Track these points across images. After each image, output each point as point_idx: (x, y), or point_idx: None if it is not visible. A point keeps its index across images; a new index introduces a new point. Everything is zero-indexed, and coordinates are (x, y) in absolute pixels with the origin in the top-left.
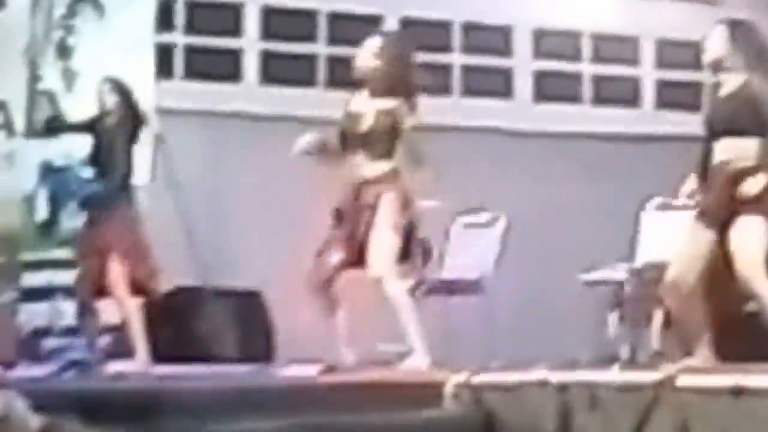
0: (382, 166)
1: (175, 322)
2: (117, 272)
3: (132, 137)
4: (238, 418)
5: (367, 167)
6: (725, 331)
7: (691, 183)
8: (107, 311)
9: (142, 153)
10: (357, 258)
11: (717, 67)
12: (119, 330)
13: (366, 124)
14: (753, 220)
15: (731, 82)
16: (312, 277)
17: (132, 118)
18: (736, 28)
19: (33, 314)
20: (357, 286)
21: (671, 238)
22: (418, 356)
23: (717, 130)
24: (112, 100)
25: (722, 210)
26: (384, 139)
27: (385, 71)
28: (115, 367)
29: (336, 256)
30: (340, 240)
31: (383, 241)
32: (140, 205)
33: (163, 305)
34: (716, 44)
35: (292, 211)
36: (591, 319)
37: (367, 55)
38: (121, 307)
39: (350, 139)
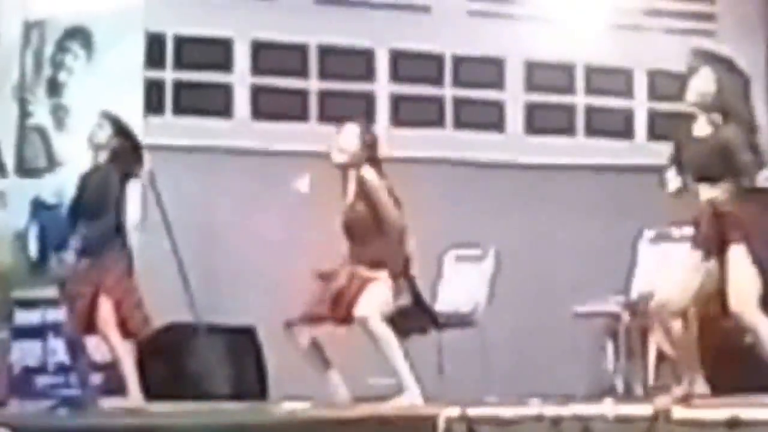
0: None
1: (168, 359)
2: (107, 311)
3: (127, 174)
4: None
5: None
6: (722, 363)
7: None
8: (100, 349)
9: (132, 190)
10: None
11: (698, 106)
12: (111, 368)
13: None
14: (740, 249)
15: (704, 127)
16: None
17: (128, 154)
18: (720, 67)
19: (25, 352)
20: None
21: (666, 270)
22: (410, 393)
23: (694, 174)
24: (104, 134)
25: (712, 242)
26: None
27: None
28: (108, 403)
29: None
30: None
31: (373, 290)
32: (131, 242)
33: (156, 342)
34: (699, 86)
35: (284, 247)
36: (586, 352)
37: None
38: (111, 346)
39: None
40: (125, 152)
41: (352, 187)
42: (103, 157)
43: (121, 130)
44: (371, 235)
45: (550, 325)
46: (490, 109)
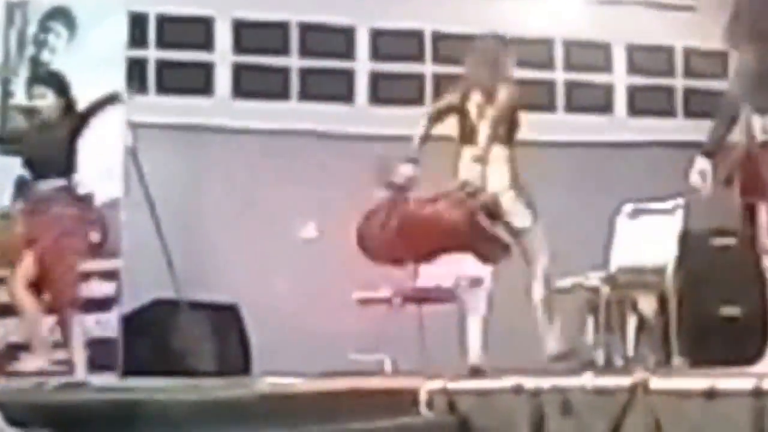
0: None
1: (152, 335)
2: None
3: (74, 133)
4: (216, 430)
5: None
6: (701, 335)
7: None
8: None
9: (114, 167)
10: None
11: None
12: (96, 344)
13: None
14: None
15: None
16: None
17: (71, 113)
18: None
19: (10, 329)
20: (335, 298)
21: (645, 243)
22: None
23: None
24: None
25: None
26: None
27: None
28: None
29: None
30: None
31: None
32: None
33: (140, 318)
34: None
35: (266, 223)
36: (565, 326)
37: None
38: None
39: None
40: (69, 111)
41: None
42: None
43: (61, 89)
44: None
45: (530, 299)
46: None
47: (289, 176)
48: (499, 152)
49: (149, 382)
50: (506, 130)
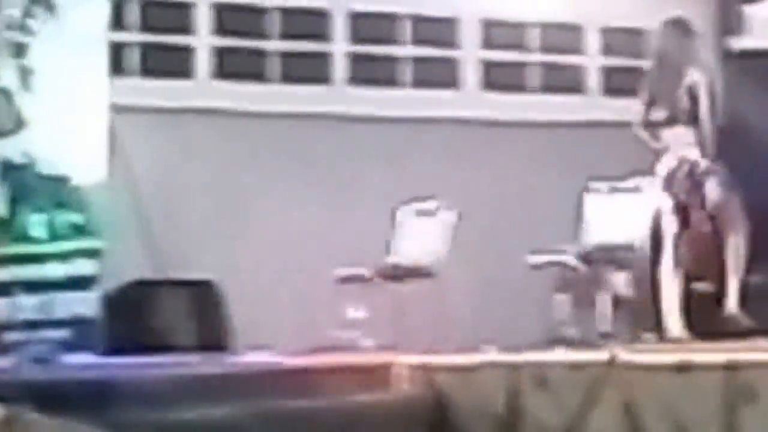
0: None
1: (133, 314)
2: None
3: None
4: (195, 405)
5: None
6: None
7: None
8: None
9: (97, 149)
10: None
11: None
12: (75, 323)
13: None
14: None
15: None
16: None
17: None
18: None
19: None
20: (314, 275)
21: (616, 221)
22: None
23: None
24: None
25: None
26: None
27: None
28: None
29: None
30: None
31: None
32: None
33: (121, 298)
34: None
35: (245, 204)
36: (540, 302)
37: None
38: None
39: None
40: None
41: None
42: None
43: None
44: None
45: (505, 276)
46: (446, 67)
47: (266, 159)
48: None
49: (129, 359)
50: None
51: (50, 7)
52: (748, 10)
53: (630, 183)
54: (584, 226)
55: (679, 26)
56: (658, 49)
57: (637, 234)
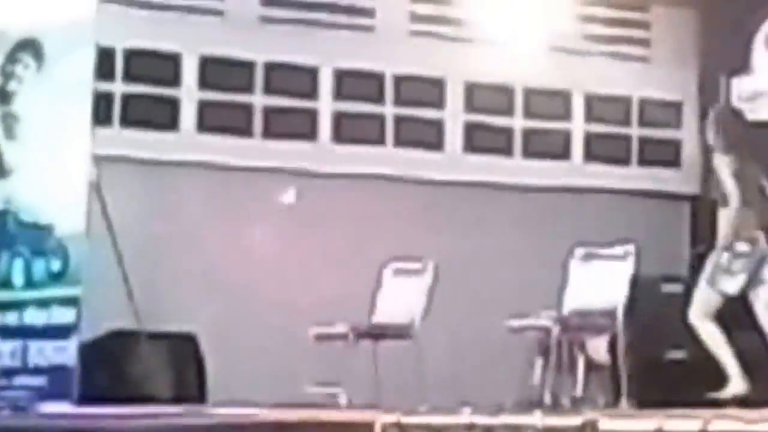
0: None
1: (110, 364)
2: None
3: None
4: None
5: None
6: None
7: None
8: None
9: (78, 198)
10: None
11: None
12: (53, 371)
13: None
14: None
15: None
16: None
17: None
18: None
19: None
20: (292, 331)
21: (597, 287)
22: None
23: None
24: None
25: None
26: None
27: None
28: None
29: None
30: None
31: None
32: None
33: (99, 348)
34: None
35: (226, 258)
36: (517, 365)
37: None
38: None
39: None
40: None
41: None
42: None
43: None
44: None
45: (483, 338)
46: (430, 128)
47: (251, 213)
48: None
49: (105, 410)
50: None
51: (38, 54)
52: (734, 82)
53: (612, 250)
54: (565, 291)
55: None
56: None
57: (618, 300)
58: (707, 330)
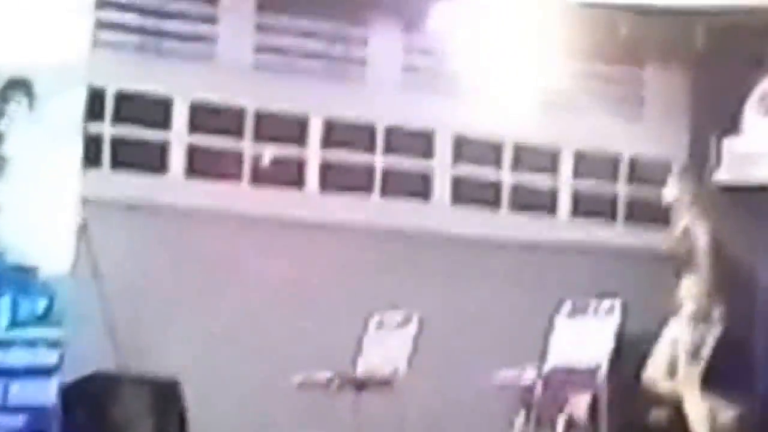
0: None
1: (90, 406)
2: None
3: None
4: None
5: None
6: None
7: None
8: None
9: (65, 239)
10: None
11: None
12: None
13: None
14: None
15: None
16: None
17: None
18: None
19: None
20: (272, 382)
21: (582, 344)
22: None
23: None
24: None
25: None
26: None
27: None
28: None
29: None
30: None
31: None
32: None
33: (80, 390)
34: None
35: (210, 305)
36: (499, 420)
37: None
38: None
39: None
40: None
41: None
42: None
43: None
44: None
45: (466, 392)
46: (418, 180)
47: (235, 258)
48: None
49: None
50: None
51: (29, 94)
52: (724, 143)
53: (597, 307)
54: (549, 347)
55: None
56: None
57: (602, 358)
58: (665, 387)
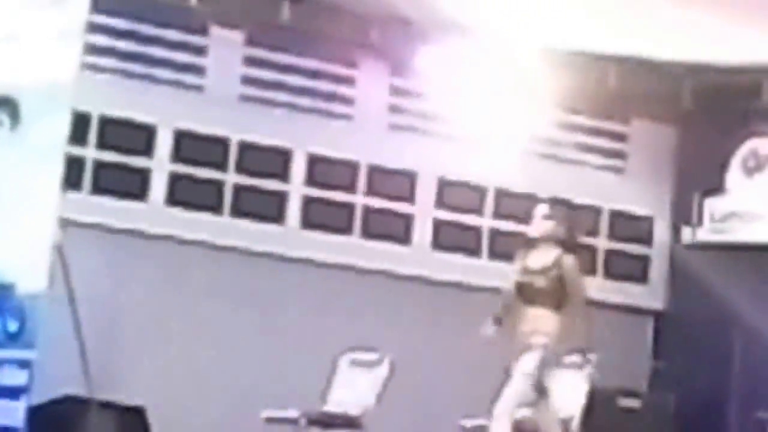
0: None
1: (58, 429)
2: None
3: None
4: None
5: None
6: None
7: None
8: None
9: (40, 260)
10: None
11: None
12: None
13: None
14: None
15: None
16: None
17: None
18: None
19: None
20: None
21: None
22: None
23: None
24: None
25: None
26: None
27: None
28: None
29: None
30: None
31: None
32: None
33: (47, 412)
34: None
35: (183, 334)
36: None
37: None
38: None
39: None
40: None
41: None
42: None
43: None
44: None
45: None
46: (399, 222)
47: (211, 291)
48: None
49: None
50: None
51: (14, 114)
52: (707, 201)
53: (572, 358)
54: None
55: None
56: None
57: (574, 410)
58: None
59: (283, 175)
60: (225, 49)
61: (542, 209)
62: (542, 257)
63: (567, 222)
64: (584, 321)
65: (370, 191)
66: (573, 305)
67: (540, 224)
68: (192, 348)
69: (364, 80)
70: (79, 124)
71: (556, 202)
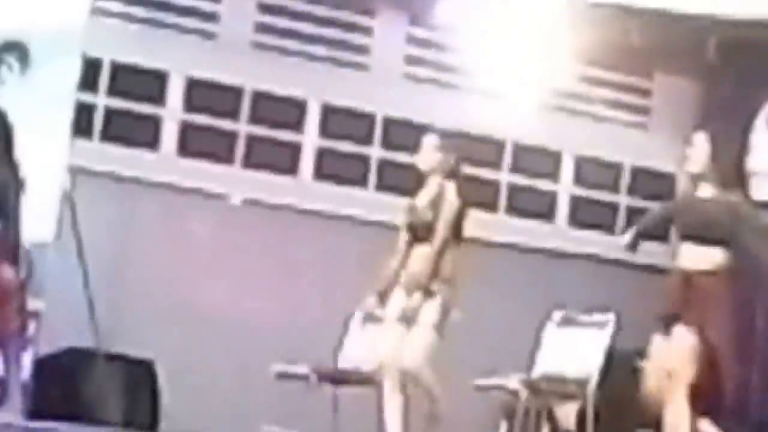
0: None
1: (64, 381)
2: None
3: None
4: None
5: None
6: None
7: None
8: None
9: (48, 208)
10: None
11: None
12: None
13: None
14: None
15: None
16: None
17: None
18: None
19: None
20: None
21: (572, 354)
22: None
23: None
24: None
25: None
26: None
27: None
28: None
29: None
30: None
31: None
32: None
33: (54, 364)
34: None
35: (193, 286)
36: (482, 426)
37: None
38: None
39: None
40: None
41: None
42: None
43: None
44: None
45: (449, 395)
46: (414, 174)
47: (222, 242)
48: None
49: (53, 425)
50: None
51: (23, 58)
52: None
53: (591, 317)
54: (538, 355)
55: None
56: None
57: (592, 370)
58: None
59: (298, 125)
60: None
61: (430, 139)
62: (429, 191)
63: (456, 152)
64: (447, 257)
65: (386, 143)
66: (437, 238)
67: (428, 156)
68: (202, 300)
69: (382, 29)
70: (90, 70)
71: (446, 134)
